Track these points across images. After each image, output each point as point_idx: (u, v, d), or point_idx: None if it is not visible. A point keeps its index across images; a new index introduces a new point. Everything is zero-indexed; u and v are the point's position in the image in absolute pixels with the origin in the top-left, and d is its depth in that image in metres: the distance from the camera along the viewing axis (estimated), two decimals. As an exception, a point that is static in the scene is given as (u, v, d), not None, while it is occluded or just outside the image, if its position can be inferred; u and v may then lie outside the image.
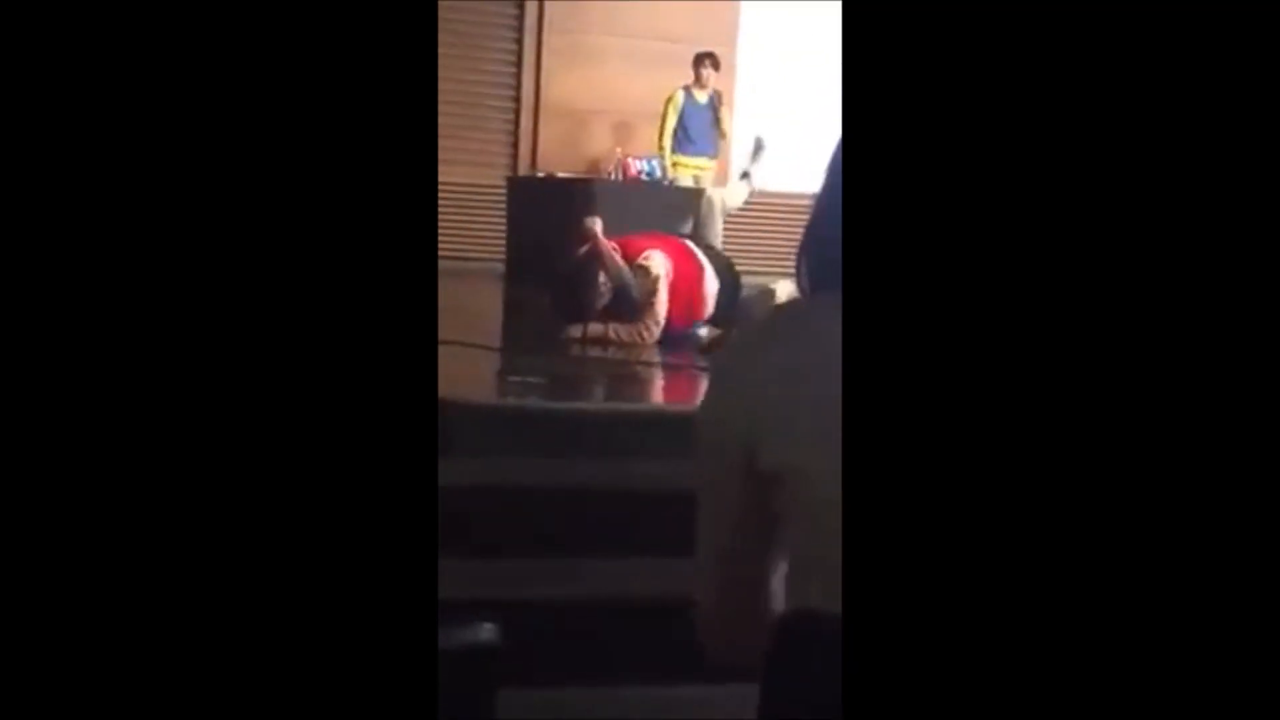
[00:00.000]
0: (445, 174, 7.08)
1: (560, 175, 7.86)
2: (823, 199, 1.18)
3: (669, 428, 3.10)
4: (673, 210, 6.78)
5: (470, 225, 8.31)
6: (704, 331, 4.83)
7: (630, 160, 8.02)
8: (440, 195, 5.94)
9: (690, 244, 5.09)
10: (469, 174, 8.39)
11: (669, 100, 8.09)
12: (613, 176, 7.91)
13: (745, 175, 7.23)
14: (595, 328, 4.58)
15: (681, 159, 8.10)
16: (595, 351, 4.51)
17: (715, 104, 8.21)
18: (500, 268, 7.58)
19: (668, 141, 8.07)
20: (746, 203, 7.17)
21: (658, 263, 4.63)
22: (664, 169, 8.04)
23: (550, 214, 6.88)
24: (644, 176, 7.93)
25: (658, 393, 4.28)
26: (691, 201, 6.89)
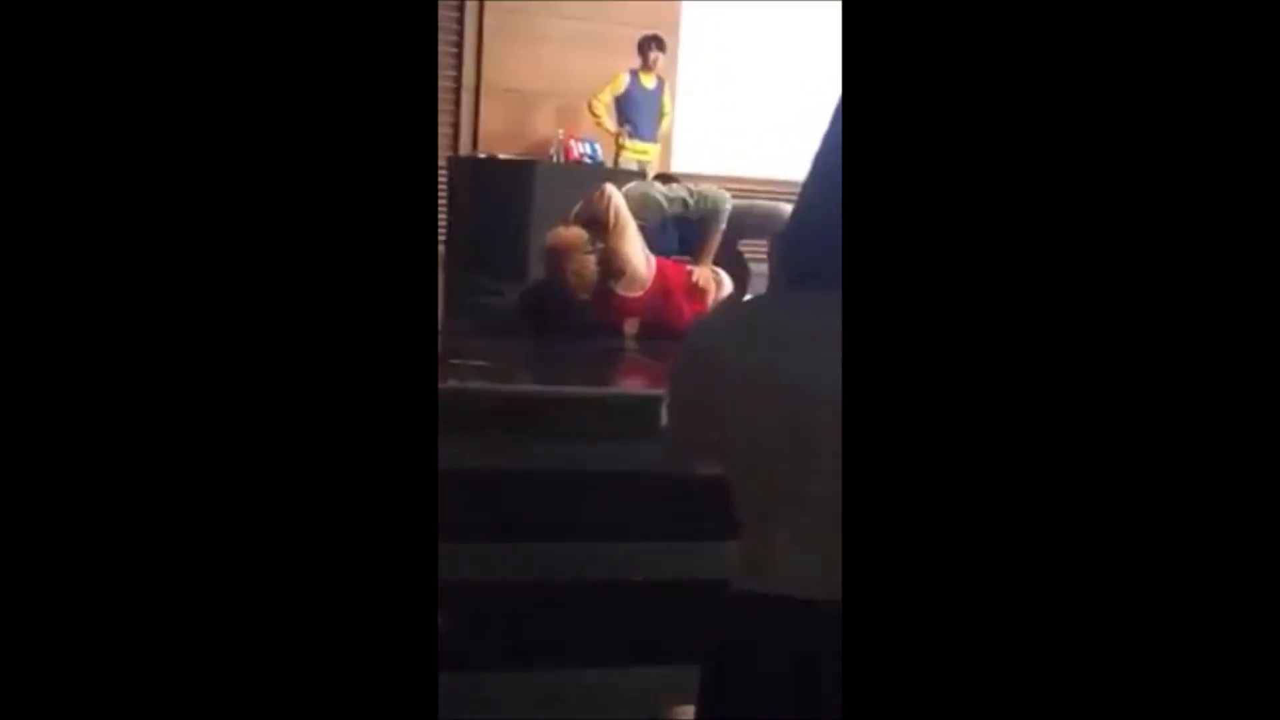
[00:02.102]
0: (386, 154, 7.00)
1: (501, 156, 7.81)
2: (806, 199, 1.17)
3: (611, 410, 3.11)
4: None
5: (410, 206, 8.23)
6: None
7: (572, 142, 7.98)
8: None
9: (686, 265, 4.83)
10: (410, 154, 8.32)
11: (614, 78, 8.06)
12: (554, 158, 7.88)
13: None
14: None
15: (627, 144, 8.07)
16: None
17: (661, 90, 8.18)
18: (440, 249, 7.53)
19: (600, 110, 8.01)
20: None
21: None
22: (605, 148, 8.00)
23: (491, 195, 6.84)
24: (585, 159, 7.90)
25: (601, 376, 4.29)
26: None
